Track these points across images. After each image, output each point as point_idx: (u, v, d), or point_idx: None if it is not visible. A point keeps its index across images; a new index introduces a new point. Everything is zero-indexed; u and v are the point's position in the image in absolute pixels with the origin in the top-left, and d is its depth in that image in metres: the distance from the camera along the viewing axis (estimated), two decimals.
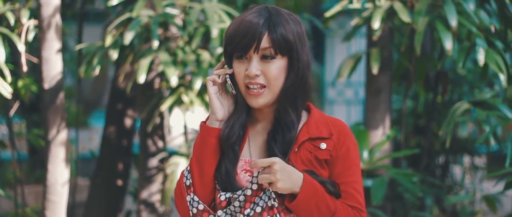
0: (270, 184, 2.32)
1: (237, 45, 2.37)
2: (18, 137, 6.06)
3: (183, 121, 5.11)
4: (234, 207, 2.38)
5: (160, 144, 5.12)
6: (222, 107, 2.44)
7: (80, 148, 6.79)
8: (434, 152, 6.67)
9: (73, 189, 6.19)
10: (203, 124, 2.45)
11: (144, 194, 5.16)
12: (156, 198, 5.16)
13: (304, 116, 2.48)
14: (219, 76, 2.45)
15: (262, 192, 2.37)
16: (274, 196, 2.34)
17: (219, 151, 2.43)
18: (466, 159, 7.61)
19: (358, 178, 2.47)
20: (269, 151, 2.42)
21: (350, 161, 2.45)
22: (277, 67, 2.37)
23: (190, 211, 2.42)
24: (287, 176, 2.31)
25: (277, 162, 2.30)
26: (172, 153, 5.31)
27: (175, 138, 5.86)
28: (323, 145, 2.40)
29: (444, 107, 6.52)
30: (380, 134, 4.90)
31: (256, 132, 2.49)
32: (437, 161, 7.00)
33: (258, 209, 2.36)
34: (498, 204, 6.09)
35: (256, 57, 2.36)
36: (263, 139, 2.47)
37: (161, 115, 5.08)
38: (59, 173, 4.16)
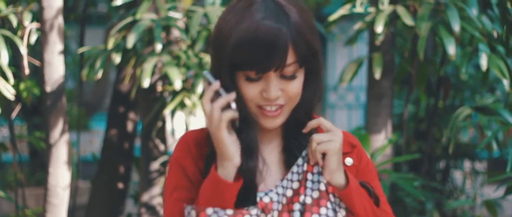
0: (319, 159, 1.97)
1: (255, 65, 1.88)
2: (19, 139, 6.05)
3: (185, 124, 5.11)
4: (279, 205, 1.98)
5: (162, 147, 5.12)
6: (236, 149, 1.91)
7: (81, 151, 6.80)
8: (435, 157, 6.67)
9: (74, 191, 6.19)
10: (221, 178, 1.89)
11: (145, 197, 5.16)
12: (157, 201, 5.16)
13: None
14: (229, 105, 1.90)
15: (310, 174, 1.99)
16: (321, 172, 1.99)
17: None
18: (467, 164, 7.61)
19: (381, 190, 2.14)
20: None
21: (371, 173, 2.14)
22: (299, 82, 1.95)
23: None
24: (338, 157, 1.97)
25: (340, 134, 1.97)
26: None
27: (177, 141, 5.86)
28: (349, 161, 2.05)
29: (445, 112, 6.52)
30: (382, 139, 4.90)
31: (267, 153, 2.05)
32: (437, 166, 7.01)
33: (315, 194, 1.98)
34: (498, 209, 6.09)
35: (276, 75, 1.91)
36: (277, 160, 2.05)
37: (163, 119, 5.08)
38: (60, 175, 4.15)
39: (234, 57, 1.88)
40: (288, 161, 2.03)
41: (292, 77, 1.92)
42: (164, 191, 2.07)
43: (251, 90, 1.92)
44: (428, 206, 6.30)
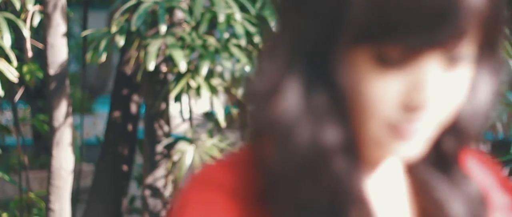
0: None
1: (413, 31, 0.83)
2: (22, 122, 6.06)
3: (189, 106, 5.11)
4: None
5: (166, 129, 5.12)
6: None
7: (84, 134, 6.81)
8: None
9: (78, 174, 6.20)
10: None
11: (149, 179, 5.16)
12: (161, 183, 5.16)
13: None
14: None
15: None
16: None
17: None
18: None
19: None
20: None
21: None
22: (469, 76, 0.92)
23: None
24: None
25: None
26: (178, 138, 5.30)
27: (182, 123, 5.85)
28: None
29: None
30: None
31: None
32: None
33: None
34: None
35: (439, 58, 0.87)
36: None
37: (167, 100, 5.07)
38: (63, 158, 4.15)
39: (368, 15, 0.83)
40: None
41: (461, 64, 0.90)
42: None
43: (387, 86, 0.87)
44: None
